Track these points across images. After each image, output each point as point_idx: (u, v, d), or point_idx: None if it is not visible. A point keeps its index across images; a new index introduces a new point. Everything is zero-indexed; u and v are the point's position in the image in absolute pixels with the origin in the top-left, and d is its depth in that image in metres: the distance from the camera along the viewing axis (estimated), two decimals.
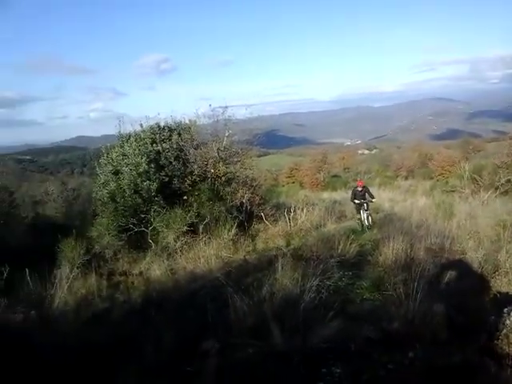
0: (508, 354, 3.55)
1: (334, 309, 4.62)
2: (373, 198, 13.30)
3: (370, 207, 12.96)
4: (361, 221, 12.43)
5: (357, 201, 12.92)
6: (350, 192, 14.63)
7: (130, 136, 10.58)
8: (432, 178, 34.54)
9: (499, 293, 5.67)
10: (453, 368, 3.57)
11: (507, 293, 5.61)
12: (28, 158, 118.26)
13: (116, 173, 9.94)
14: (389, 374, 3.62)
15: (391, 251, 7.40)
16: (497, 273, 6.37)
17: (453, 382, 3.36)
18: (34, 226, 12.05)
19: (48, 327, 5.14)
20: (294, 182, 36.72)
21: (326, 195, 20.30)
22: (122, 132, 10.78)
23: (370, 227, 12.07)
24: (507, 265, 6.32)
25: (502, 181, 16.86)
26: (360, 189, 12.95)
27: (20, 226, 12.00)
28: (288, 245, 9.57)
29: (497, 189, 16.54)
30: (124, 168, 9.73)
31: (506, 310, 4.07)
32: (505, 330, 3.80)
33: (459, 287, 6.05)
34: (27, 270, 6.75)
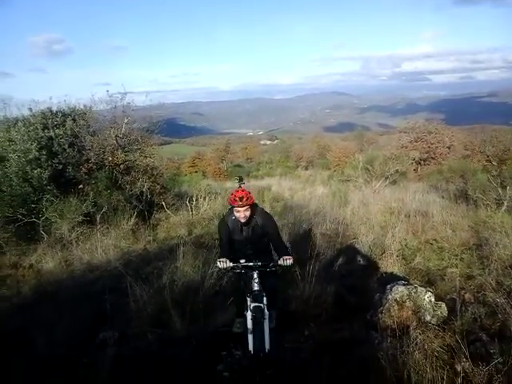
0: (389, 326, 3.90)
1: None
2: (287, 253, 3.68)
3: (276, 286, 4.23)
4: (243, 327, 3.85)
5: (221, 265, 3.66)
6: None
7: (17, 120, 9.72)
8: (330, 169, 36.01)
9: (385, 273, 6.18)
10: (342, 342, 3.85)
11: (392, 272, 6.13)
12: None
13: (1, 160, 9.12)
14: (285, 351, 3.79)
15: (290, 237, 7.69)
16: (384, 255, 6.90)
17: (342, 354, 3.61)
18: None
19: None
20: (196, 172, 36.31)
21: (229, 184, 20.31)
22: (7, 116, 9.87)
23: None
24: (392, 247, 6.88)
25: (391, 171, 18.08)
26: (240, 215, 3.76)
27: None
28: (190, 233, 9.51)
29: (387, 178, 17.74)
30: (11, 155, 8.95)
31: (388, 286, 4.46)
32: (387, 305, 4.17)
33: (351, 269, 6.52)
34: None
